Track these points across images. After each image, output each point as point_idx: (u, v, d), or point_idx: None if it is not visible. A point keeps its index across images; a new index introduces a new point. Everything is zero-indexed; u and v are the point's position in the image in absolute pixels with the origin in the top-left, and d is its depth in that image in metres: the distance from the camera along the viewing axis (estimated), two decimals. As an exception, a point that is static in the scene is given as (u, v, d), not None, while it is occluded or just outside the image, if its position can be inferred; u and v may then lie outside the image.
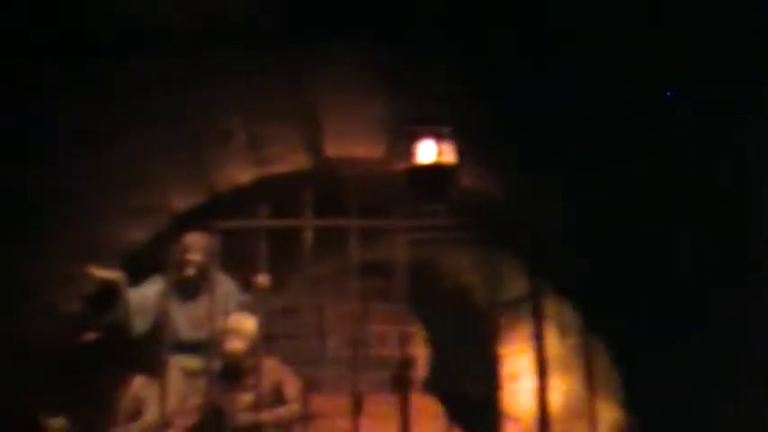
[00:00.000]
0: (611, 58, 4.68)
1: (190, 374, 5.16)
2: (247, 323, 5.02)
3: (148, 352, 5.12)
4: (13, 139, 4.65)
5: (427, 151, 4.77)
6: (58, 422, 4.88)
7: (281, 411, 4.91)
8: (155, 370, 5.08)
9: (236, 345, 4.96)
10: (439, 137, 4.76)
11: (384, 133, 5.02)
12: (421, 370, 6.37)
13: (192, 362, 5.17)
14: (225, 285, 5.25)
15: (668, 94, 4.81)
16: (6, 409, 4.57)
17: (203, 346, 5.17)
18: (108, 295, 4.85)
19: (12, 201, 4.77)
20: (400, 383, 5.85)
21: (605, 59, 4.69)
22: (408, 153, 4.77)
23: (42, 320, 4.73)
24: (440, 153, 4.76)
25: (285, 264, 5.41)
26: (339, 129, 5.01)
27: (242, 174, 5.05)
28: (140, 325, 5.04)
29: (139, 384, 5.05)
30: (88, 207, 4.82)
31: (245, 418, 4.81)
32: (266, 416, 4.85)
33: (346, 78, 4.94)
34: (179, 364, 5.09)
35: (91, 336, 5.02)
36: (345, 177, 5.07)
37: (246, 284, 5.19)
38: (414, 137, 4.77)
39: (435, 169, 4.75)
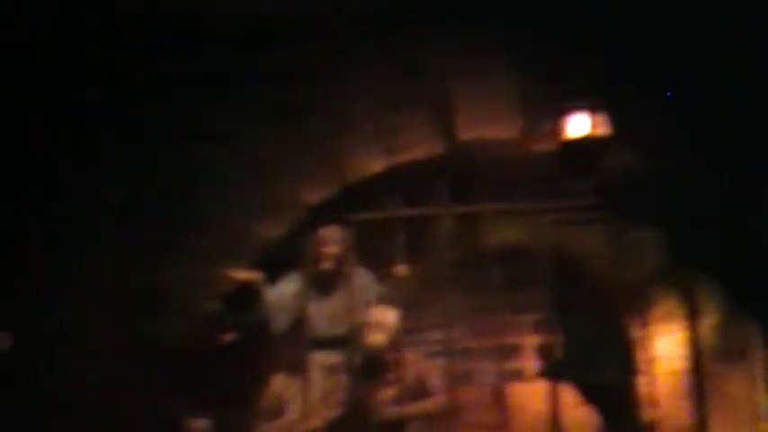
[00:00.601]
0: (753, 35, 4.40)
1: (330, 370, 5.07)
2: (388, 315, 4.89)
3: (288, 349, 5.07)
4: (145, 139, 4.63)
5: (579, 125, 4.55)
6: (199, 423, 4.87)
7: (427, 404, 4.75)
8: (295, 367, 5.03)
9: (377, 338, 4.82)
10: (591, 109, 4.54)
11: (518, 113, 4.82)
12: (556, 356, 6.17)
13: (332, 357, 5.08)
14: (361, 278, 5.13)
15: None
16: (148, 411, 4.56)
17: (342, 341, 5.09)
18: (247, 295, 4.80)
19: (145, 203, 4.78)
20: (546, 371, 5.69)
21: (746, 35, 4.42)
22: (557, 128, 4.56)
23: (180, 321, 4.70)
24: (593, 126, 4.53)
25: (420, 253, 5.30)
26: (471, 111, 4.83)
27: (373, 163, 4.90)
28: (280, 323, 4.97)
29: (280, 382, 4.99)
30: (220, 205, 4.78)
31: (390, 412, 4.67)
32: (412, 409, 4.70)
33: (476, 59, 4.77)
34: (318, 360, 5.01)
35: (230, 336, 4.99)
36: (480, 161, 4.87)
37: (383, 276, 5.08)
38: (564, 111, 4.56)
39: (587, 143, 4.52)
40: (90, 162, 4.63)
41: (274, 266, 4.96)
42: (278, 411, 4.93)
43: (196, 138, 4.61)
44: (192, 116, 4.67)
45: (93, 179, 4.63)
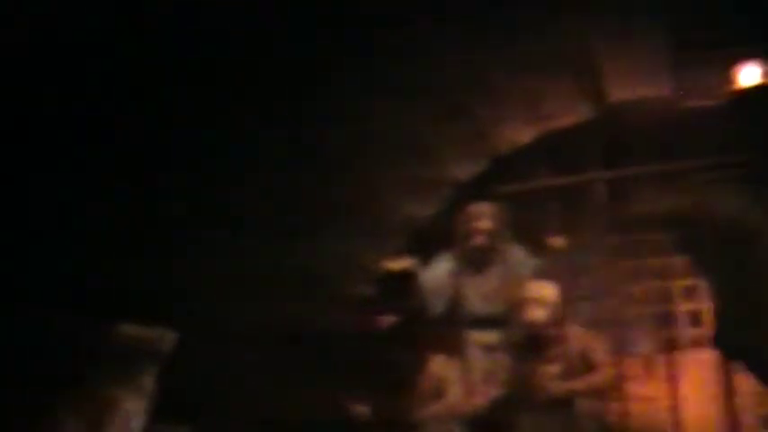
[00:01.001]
0: None
1: (487, 350, 4.98)
2: (547, 290, 4.73)
3: (444, 331, 5.00)
4: (303, 123, 4.57)
5: (750, 74, 4.31)
6: (361, 407, 4.85)
7: (594, 378, 4.59)
8: (452, 348, 4.96)
9: (538, 314, 4.68)
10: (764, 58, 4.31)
11: (669, 70, 4.60)
12: (709, 325, 5.92)
13: (489, 336, 4.97)
14: (515, 253, 5.01)
15: None
16: (309, 396, 4.56)
17: (500, 320, 4.98)
18: (403, 282, 4.74)
19: (292, 188, 4.74)
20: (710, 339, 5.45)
21: None
22: (726, 80, 4.34)
23: (336, 305, 4.67)
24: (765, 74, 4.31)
25: (574, 223, 5.15)
26: (620, 72, 4.63)
27: (521, 133, 4.76)
28: (437, 306, 4.89)
29: (439, 364, 4.92)
30: (371, 187, 4.71)
31: (557, 388, 4.53)
32: (579, 384, 4.54)
33: (622, 18, 4.56)
34: (476, 339, 4.91)
35: (388, 320, 4.94)
36: (633, 122, 4.68)
37: (538, 249, 4.94)
38: (732, 62, 4.34)
39: (759, 92, 4.29)
40: (246, 147, 4.60)
41: (426, 246, 4.90)
42: (438, 393, 4.86)
43: (345, 120, 4.54)
44: (342, 99, 4.60)
45: (251, 165, 4.61)
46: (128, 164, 4.12)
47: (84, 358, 3.88)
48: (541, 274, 4.88)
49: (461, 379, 4.80)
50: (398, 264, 4.72)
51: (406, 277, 4.76)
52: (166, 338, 3.91)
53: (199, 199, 4.51)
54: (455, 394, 4.77)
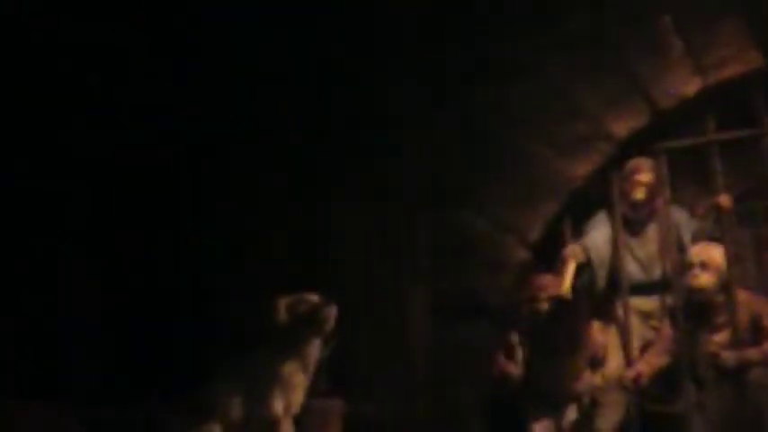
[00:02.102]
0: None
1: (645, 317, 4.73)
2: (714, 253, 4.45)
3: (604, 298, 4.78)
4: (447, 80, 4.41)
5: None
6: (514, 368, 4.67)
7: (766, 347, 4.28)
8: (610, 316, 4.73)
9: (704, 279, 4.40)
10: None
11: None
12: None
13: (648, 303, 4.73)
14: (676, 214, 4.73)
15: None
16: (466, 367, 4.41)
17: (659, 285, 4.73)
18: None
19: (452, 145, 4.56)
20: None
21: None
22: None
23: (494, 273, 4.49)
24: None
25: (741, 181, 4.82)
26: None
27: (685, 86, 4.45)
28: (602, 278, 4.68)
29: (598, 332, 4.70)
30: (526, 145, 4.49)
31: (728, 357, 4.24)
32: (752, 353, 4.25)
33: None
34: (635, 306, 4.67)
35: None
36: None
37: (704, 209, 4.66)
38: None
39: None
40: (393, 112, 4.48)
41: (584, 206, 4.68)
42: (598, 362, 4.65)
43: (497, 76, 4.35)
44: (487, 56, 4.41)
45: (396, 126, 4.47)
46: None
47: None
48: (705, 237, 4.61)
49: (621, 347, 4.59)
50: (573, 263, 4.55)
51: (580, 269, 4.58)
52: (329, 308, 3.81)
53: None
54: (616, 363, 4.56)
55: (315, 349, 3.81)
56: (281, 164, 4.48)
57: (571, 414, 4.61)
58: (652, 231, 4.77)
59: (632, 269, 4.72)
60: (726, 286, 4.39)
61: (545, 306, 4.60)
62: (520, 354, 4.60)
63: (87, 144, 4.44)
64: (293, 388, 3.74)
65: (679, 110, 4.47)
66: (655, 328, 4.69)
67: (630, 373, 4.43)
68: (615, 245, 4.64)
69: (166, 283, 4.31)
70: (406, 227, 4.50)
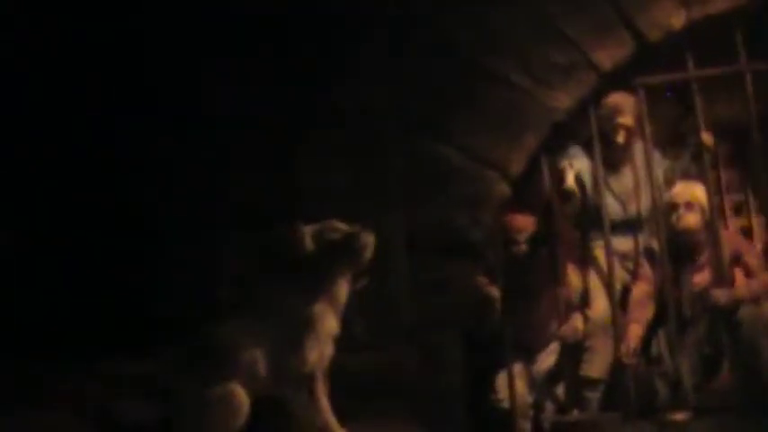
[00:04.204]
0: None
1: (621, 257, 4.60)
2: (697, 192, 4.35)
3: (580, 236, 4.62)
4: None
5: None
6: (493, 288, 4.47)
7: (754, 285, 4.21)
8: (586, 258, 4.58)
9: (691, 219, 4.30)
10: None
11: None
12: None
13: (623, 242, 4.60)
14: (651, 151, 4.58)
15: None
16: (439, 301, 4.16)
17: (637, 224, 4.61)
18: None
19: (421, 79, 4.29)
20: None
21: None
22: None
23: (470, 209, 4.25)
24: None
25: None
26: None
27: (670, 18, 4.28)
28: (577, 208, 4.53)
29: (576, 273, 4.54)
30: (503, 73, 4.26)
31: (719, 295, 4.13)
32: (742, 291, 4.16)
33: None
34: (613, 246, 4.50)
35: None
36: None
37: (684, 147, 4.55)
38: None
39: None
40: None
41: (564, 140, 4.50)
42: (581, 304, 4.49)
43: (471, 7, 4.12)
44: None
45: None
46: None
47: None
48: (686, 176, 4.51)
49: (602, 288, 4.44)
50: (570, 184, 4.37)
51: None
52: (366, 235, 3.28)
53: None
54: (603, 306, 4.40)
55: (345, 288, 3.25)
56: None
57: (547, 361, 4.46)
58: (628, 168, 4.65)
59: (611, 204, 4.56)
60: (709, 225, 4.31)
61: (523, 248, 4.43)
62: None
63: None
64: (326, 335, 3.17)
65: (665, 43, 4.30)
66: (629, 271, 4.58)
67: (627, 347, 4.25)
68: (595, 182, 4.48)
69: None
70: (376, 155, 4.24)
